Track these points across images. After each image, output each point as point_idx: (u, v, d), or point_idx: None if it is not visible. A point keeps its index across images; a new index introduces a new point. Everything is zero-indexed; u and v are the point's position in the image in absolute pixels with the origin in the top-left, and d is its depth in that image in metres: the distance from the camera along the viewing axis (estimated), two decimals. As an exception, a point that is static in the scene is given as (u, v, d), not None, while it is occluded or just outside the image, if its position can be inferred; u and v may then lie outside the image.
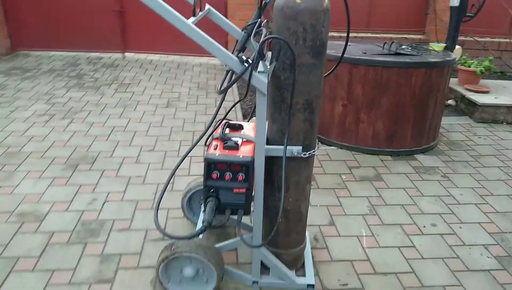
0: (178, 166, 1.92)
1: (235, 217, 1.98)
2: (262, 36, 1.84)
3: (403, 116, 3.60)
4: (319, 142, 2.09)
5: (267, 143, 1.99)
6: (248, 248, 2.37)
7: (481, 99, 4.56)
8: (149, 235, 2.55)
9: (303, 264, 2.30)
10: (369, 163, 3.54)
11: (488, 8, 4.97)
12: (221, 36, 6.27)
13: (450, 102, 5.00)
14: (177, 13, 1.63)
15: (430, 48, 4.04)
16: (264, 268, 2.19)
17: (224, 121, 2.17)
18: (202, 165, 1.95)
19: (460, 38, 6.37)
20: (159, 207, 1.92)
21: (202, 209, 2.40)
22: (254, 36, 1.88)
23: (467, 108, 4.75)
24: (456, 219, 2.82)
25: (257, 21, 1.97)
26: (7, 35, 6.52)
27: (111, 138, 3.84)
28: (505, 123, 4.54)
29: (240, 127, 2.18)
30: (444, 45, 4.08)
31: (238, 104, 4.83)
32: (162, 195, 1.91)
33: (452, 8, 4.54)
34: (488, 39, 6.66)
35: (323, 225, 2.70)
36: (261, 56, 1.71)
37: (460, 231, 2.70)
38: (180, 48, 6.71)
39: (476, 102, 4.54)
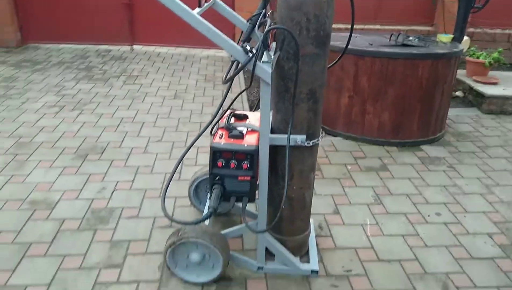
0: (185, 154, 1.96)
1: (240, 204, 2.03)
2: (266, 26, 1.87)
3: (409, 107, 3.60)
4: (323, 132, 2.12)
5: (272, 132, 2.02)
6: (253, 235, 2.42)
7: (489, 91, 4.53)
8: (157, 222, 2.61)
9: (307, 251, 2.34)
10: (375, 154, 3.56)
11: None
12: (228, 28, 6.28)
13: (458, 93, 4.98)
14: (183, 4, 1.66)
15: (438, 40, 4.01)
16: (269, 255, 2.24)
17: (229, 111, 2.20)
18: (208, 154, 1.99)
19: (470, 29, 6.33)
20: (166, 194, 1.97)
21: (208, 196, 2.44)
22: (259, 26, 1.91)
23: (475, 99, 4.72)
24: (460, 209, 2.84)
25: (261, 12, 2.00)
26: (18, 28, 6.60)
27: (119, 129, 3.90)
28: (513, 115, 4.52)
29: (245, 117, 2.22)
30: (452, 36, 4.05)
31: (245, 95, 4.87)
32: (170, 181, 1.96)
33: (460, -1, 4.51)
34: (498, 30, 6.58)
35: (327, 214, 2.74)
36: (265, 46, 1.74)
37: (465, 220, 2.72)
38: (187, 41, 6.74)
39: (484, 94, 4.52)
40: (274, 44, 1.94)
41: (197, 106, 4.54)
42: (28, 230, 2.50)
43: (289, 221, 2.20)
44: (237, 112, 2.23)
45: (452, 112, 4.46)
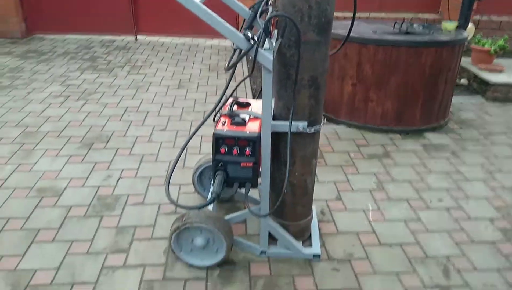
0: (189, 140, 1.98)
1: (243, 191, 2.06)
2: (268, 14, 1.88)
3: (413, 95, 3.60)
4: (325, 118, 2.14)
5: (274, 119, 2.04)
6: (257, 221, 2.46)
7: (494, 78, 4.51)
8: (162, 209, 2.65)
9: (310, 236, 2.38)
10: (378, 141, 3.57)
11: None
12: (232, 18, 6.28)
13: (463, 81, 4.96)
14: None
15: (442, 27, 3.99)
16: (272, 239, 2.28)
17: (231, 99, 2.23)
18: (212, 142, 2.02)
19: (476, 17, 6.26)
20: (171, 181, 2.01)
21: (212, 182, 2.48)
22: (261, 14, 1.92)
23: (480, 87, 4.70)
24: (462, 194, 2.86)
25: (264, 0, 2.01)
26: (22, 19, 6.63)
27: (124, 118, 3.94)
28: (517, 102, 4.50)
29: (248, 105, 2.25)
30: (457, 24, 4.01)
31: (248, 83, 4.88)
32: (174, 166, 1.99)
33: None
34: (505, 18, 6.51)
35: (330, 200, 2.77)
36: (267, 33, 1.75)
37: (467, 205, 2.74)
38: (191, 31, 6.75)
39: (489, 81, 4.50)
40: (276, 31, 1.96)
41: (201, 95, 4.57)
42: (36, 217, 2.56)
43: (292, 207, 2.23)
44: (239, 99, 2.25)
45: (457, 100, 4.45)
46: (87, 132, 3.65)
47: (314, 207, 2.48)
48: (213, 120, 2.14)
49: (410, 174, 3.09)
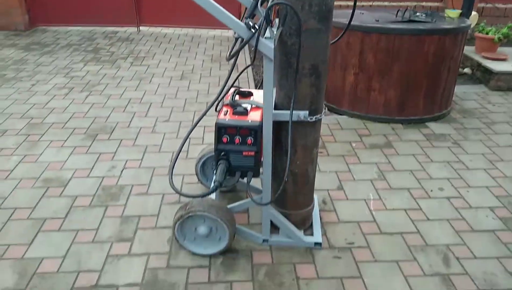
0: (192, 130, 2.01)
1: (245, 180, 2.09)
2: (269, 2, 1.88)
3: (415, 84, 3.60)
4: (326, 108, 2.15)
5: (275, 109, 2.06)
6: (259, 210, 2.49)
7: (497, 67, 4.49)
8: (165, 198, 2.69)
9: (311, 224, 2.41)
10: (380, 131, 3.58)
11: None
12: (235, 7, 6.26)
13: (466, 70, 4.94)
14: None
15: (445, 15, 3.97)
16: (274, 228, 2.31)
17: (233, 89, 2.24)
18: (214, 131, 2.04)
19: (480, 4, 6.21)
20: (174, 172, 2.03)
21: (214, 172, 2.51)
22: (262, 3, 1.93)
23: (483, 76, 4.68)
24: (464, 184, 2.87)
25: (265, -12, 2.01)
26: (26, 11, 6.64)
27: (127, 110, 3.96)
28: (521, 91, 4.48)
29: (250, 94, 2.26)
30: (460, 11, 3.99)
31: (251, 74, 4.88)
32: (177, 155, 2.01)
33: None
34: (510, 5, 6.45)
35: (331, 190, 2.79)
36: (267, 22, 1.76)
37: (467, 194, 2.76)
38: (193, 21, 6.74)
39: (492, 70, 4.47)
40: (277, 20, 1.96)
41: (204, 86, 4.58)
42: (42, 206, 2.60)
43: (293, 196, 2.25)
44: (241, 89, 2.27)
45: (460, 89, 4.44)
46: (91, 123, 3.68)
47: (315, 197, 2.51)
48: (215, 109, 2.16)
49: (411, 164, 3.10)
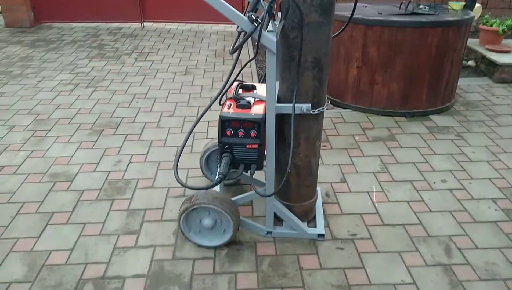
0: (197, 122, 2.04)
1: (249, 173, 2.12)
2: (272, -5, 1.89)
3: (418, 76, 3.60)
4: (328, 100, 2.17)
5: (278, 102, 2.08)
6: (263, 203, 2.52)
7: (501, 59, 4.47)
8: (170, 192, 2.72)
9: (315, 217, 2.44)
10: (383, 124, 3.60)
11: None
12: (238, 2, 6.28)
13: (470, 63, 4.92)
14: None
15: (449, 7, 3.96)
16: (277, 220, 2.34)
17: (236, 82, 2.27)
18: (218, 125, 2.07)
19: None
20: (179, 166, 2.06)
21: (218, 165, 2.55)
22: (265, -3, 1.94)
23: (487, 68, 4.67)
24: (466, 175, 2.88)
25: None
26: (31, 9, 6.69)
27: (132, 105, 4.00)
28: (525, 83, 4.47)
29: (253, 88, 2.29)
30: (463, 3, 3.98)
31: (254, 68, 4.90)
32: (182, 148, 2.05)
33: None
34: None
35: (334, 182, 2.81)
36: (270, 15, 1.78)
37: (470, 186, 2.77)
38: (197, 17, 6.75)
39: (496, 62, 4.46)
40: (279, 14, 1.98)
41: (208, 81, 4.61)
42: (50, 200, 2.65)
43: (296, 188, 2.28)
44: (245, 83, 2.29)
45: (463, 82, 4.44)
46: (97, 118, 3.72)
47: (318, 189, 2.53)
48: (219, 103, 2.19)
49: (414, 156, 3.12)
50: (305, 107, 2.01)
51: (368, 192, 2.72)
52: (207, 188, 2.00)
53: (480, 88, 4.36)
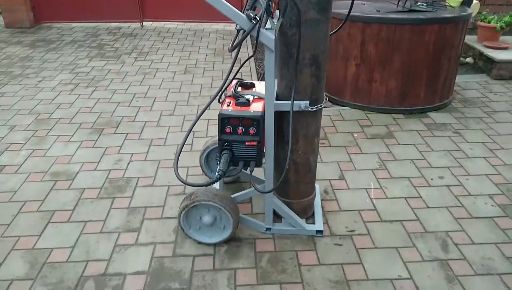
0: (196, 120, 2.06)
1: (248, 172, 2.14)
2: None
3: (416, 74, 3.62)
4: (326, 97, 2.20)
5: (277, 99, 2.11)
6: (262, 200, 2.54)
7: (499, 56, 4.49)
8: (171, 190, 2.75)
9: (313, 213, 2.47)
10: (381, 122, 3.62)
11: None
12: (237, 0, 6.28)
13: (468, 60, 4.94)
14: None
15: (447, 4, 3.97)
16: (276, 217, 2.37)
17: (235, 81, 2.29)
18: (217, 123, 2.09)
19: (483, -7, 6.16)
20: (179, 164, 2.08)
21: (218, 162, 2.57)
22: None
23: (485, 65, 4.69)
24: (463, 172, 2.91)
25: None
26: (30, 9, 6.71)
27: (133, 104, 4.03)
28: (523, 80, 4.49)
29: (252, 85, 2.31)
30: (461, 0, 4.00)
31: (253, 67, 4.92)
32: (182, 145, 2.07)
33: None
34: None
35: (333, 180, 2.84)
36: (268, 13, 1.80)
37: (467, 182, 2.79)
38: (196, 16, 6.77)
39: (494, 59, 4.48)
40: (278, 11, 2.00)
41: (207, 80, 4.63)
42: (51, 199, 2.67)
43: (295, 185, 2.31)
44: (244, 81, 2.32)
45: (461, 79, 4.46)
46: (97, 118, 3.75)
47: (317, 186, 2.56)
48: (219, 101, 2.21)
49: (412, 153, 3.14)
50: (303, 104, 2.03)
51: (366, 189, 2.74)
52: (206, 184, 2.02)
53: (478, 85, 4.38)
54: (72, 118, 3.75)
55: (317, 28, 1.92)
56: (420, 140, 3.32)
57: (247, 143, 2.08)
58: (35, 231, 2.40)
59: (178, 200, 2.63)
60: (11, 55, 5.45)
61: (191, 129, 2.05)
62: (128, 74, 4.78)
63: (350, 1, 2.26)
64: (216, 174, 2.06)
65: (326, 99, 2.18)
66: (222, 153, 2.11)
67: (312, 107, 2.06)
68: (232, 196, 2.36)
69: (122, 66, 5.06)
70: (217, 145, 2.66)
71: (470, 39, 5.02)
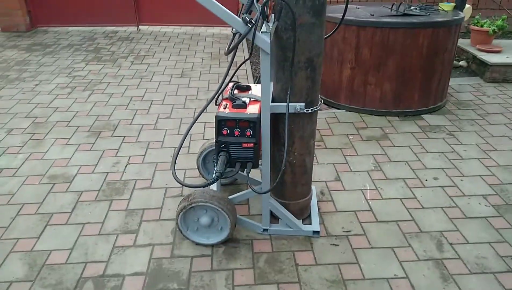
0: (193, 124, 2.08)
1: (245, 173, 2.16)
2: (265, -2, 1.95)
3: (410, 77, 3.67)
4: (321, 100, 2.23)
5: (273, 102, 2.14)
6: (259, 202, 2.57)
7: (492, 59, 4.55)
8: (168, 192, 2.77)
9: (310, 214, 2.49)
10: (376, 124, 3.66)
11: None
12: (233, 5, 6.33)
13: (462, 63, 5.00)
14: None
15: (440, 8, 4.03)
16: (273, 218, 2.40)
17: (232, 83, 2.32)
18: (214, 125, 2.12)
19: (475, -3, 6.25)
20: (177, 167, 2.10)
21: (215, 164, 2.59)
22: (258, -1, 2.00)
23: (478, 68, 4.75)
24: (458, 173, 2.95)
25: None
26: (26, 13, 6.72)
27: (129, 107, 4.05)
28: (516, 82, 4.55)
29: (248, 88, 2.34)
30: (454, 4, 4.05)
31: (250, 70, 4.96)
32: (180, 148, 2.09)
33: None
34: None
35: (329, 181, 2.87)
36: (263, 16, 1.83)
37: (461, 183, 2.83)
38: (192, 19, 6.81)
39: (487, 62, 4.54)
40: (273, 15, 2.04)
41: (203, 83, 4.66)
42: (49, 202, 2.69)
43: (291, 186, 2.33)
44: (240, 84, 2.35)
45: (455, 82, 4.52)
46: (94, 121, 3.76)
47: (313, 187, 2.59)
48: (215, 103, 2.24)
49: (407, 155, 3.18)
50: (299, 106, 2.06)
51: (362, 190, 2.78)
52: (204, 186, 2.05)
53: (472, 87, 4.44)
54: (69, 121, 3.76)
55: (312, 31, 1.96)
56: (415, 142, 3.37)
57: (243, 145, 2.11)
58: (34, 233, 2.41)
59: (175, 202, 2.65)
60: (8, 59, 5.46)
61: (188, 132, 2.08)
62: (125, 78, 4.81)
63: (344, 5, 2.31)
64: (213, 175, 2.08)
65: (321, 101, 2.21)
66: (219, 155, 2.13)
67: (307, 109, 2.09)
68: (230, 197, 2.38)
69: (119, 69, 5.08)
70: (213, 148, 2.69)
71: (463, 43, 5.09)
